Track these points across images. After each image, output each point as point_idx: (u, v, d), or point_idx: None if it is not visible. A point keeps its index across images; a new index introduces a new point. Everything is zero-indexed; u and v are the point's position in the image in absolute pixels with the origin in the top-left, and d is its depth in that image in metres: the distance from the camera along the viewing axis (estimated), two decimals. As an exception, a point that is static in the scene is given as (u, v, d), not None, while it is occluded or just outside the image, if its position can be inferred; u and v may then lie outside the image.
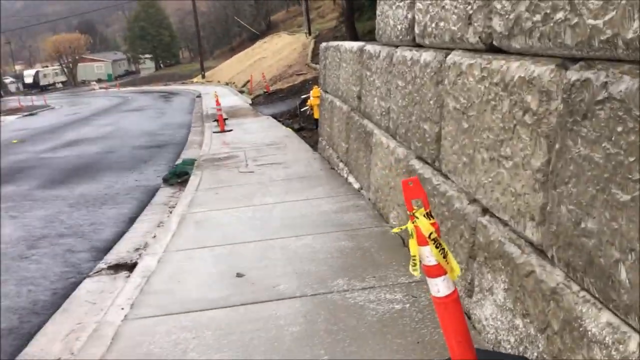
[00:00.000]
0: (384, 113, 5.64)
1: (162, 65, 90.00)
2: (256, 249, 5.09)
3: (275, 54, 41.82)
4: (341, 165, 8.25)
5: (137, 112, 29.47)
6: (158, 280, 4.53)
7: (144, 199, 8.56)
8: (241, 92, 34.99)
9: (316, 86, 15.23)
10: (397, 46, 5.16)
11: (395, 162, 5.19)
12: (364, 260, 4.52)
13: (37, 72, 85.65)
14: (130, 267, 5.24)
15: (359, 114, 7.02)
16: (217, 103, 16.50)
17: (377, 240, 5.02)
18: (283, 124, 16.57)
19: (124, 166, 11.82)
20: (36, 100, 53.55)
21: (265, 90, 28.39)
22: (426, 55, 4.15)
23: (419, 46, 4.44)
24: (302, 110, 17.88)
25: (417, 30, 4.39)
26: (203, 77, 56.54)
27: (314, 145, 11.71)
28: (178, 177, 9.67)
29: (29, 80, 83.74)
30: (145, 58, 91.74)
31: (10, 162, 13.63)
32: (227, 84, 44.52)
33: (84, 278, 5.14)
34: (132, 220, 7.26)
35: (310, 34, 39.51)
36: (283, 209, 6.46)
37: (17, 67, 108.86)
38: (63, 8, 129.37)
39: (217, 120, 16.24)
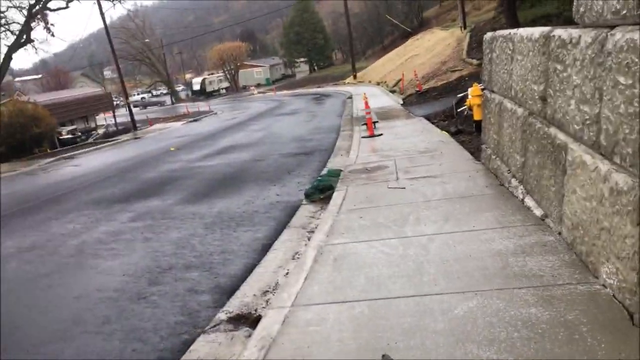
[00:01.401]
0: (588, 122, 4.03)
1: (315, 67, 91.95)
2: (408, 310, 3.80)
3: (428, 50, 39.98)
4: (514, 182, 6.63)
5: (289, 115, 29.64)
6: (278, 354, 3.45)
7: (283, 218, 7.69)
8: (392, 91, 33.80)
9: (476, 83, 13.48)
10: (612, 27, 3.56)
11: (610, 193, 3.58)
12: (573, 349, 3.02)
13: (203, 80, 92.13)
14: (252, 321, 4.26)
15: (543, 120, 5.40)
16: (366, 106, 15.46)
17: (586, 308, 3.46)
18: (437, 126, 15.02)
19: (269, 177, 11.21)
20: (202, 106, 57.28)
21: (417, 89, 26.85)
22: (688, 34, 2.56)
23: (666, 21, 2.84)
24: (458, 110, 16.16)
25: (664, -4, 2.79)
26: (354, 77, 56.29)
27: (474, 152, 10.10)
28: (321, 192, 8.71)
29: (196, 87, 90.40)
30: (300, 62, 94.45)
31: (163, 172, 13.84)
32: (378, 83, 43.62)
33: (198, 335, 4.26)
34: (265, 248, 6.38)
35: (465, 27, 37.10)
36: (442, 244, 5.09)
37: (187, 76, 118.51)
38: (228, 18, 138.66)
39: (366, 124, 15.17)
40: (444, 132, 13.43)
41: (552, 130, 5.08)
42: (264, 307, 4.47)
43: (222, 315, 4.53)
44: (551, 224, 5.18)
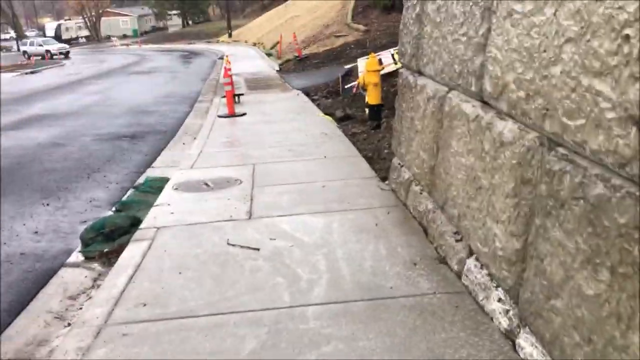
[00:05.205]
0: None
1: (190, 22, 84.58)
2: None
3: (310, 11, 36.40)
4: (479, 275, 3.17)
5: (144, 75, 24.75)
6: None
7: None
8: (269, 54, 29.86)
9: (373, 54, 10.01)
10: None
11: None
12: None
13: (59, 25, 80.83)
14: None
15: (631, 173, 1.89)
16: (226, 74, 11.28)
17: None
18: (319, 105, 11.47)
19: (50, 182, 6.97)
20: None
21: (296, 55, 23.14)
22: None
23: None
24: (346, 87, 12.70)
25: None
26: (230, 36, 51.49)
27: (373, 158, 6.68)
28: (108, 238, 4.73)
29: (50, 33, 78.75)
30: (173, 14, 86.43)
31: None
32: (254, 44, 39.53)
33: None
34: None
35: (351, -11, 33.81)
36: None
37: (45, 20, 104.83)
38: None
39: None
40: (327, 117, 9.85)
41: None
42: None
43: None
44: None
